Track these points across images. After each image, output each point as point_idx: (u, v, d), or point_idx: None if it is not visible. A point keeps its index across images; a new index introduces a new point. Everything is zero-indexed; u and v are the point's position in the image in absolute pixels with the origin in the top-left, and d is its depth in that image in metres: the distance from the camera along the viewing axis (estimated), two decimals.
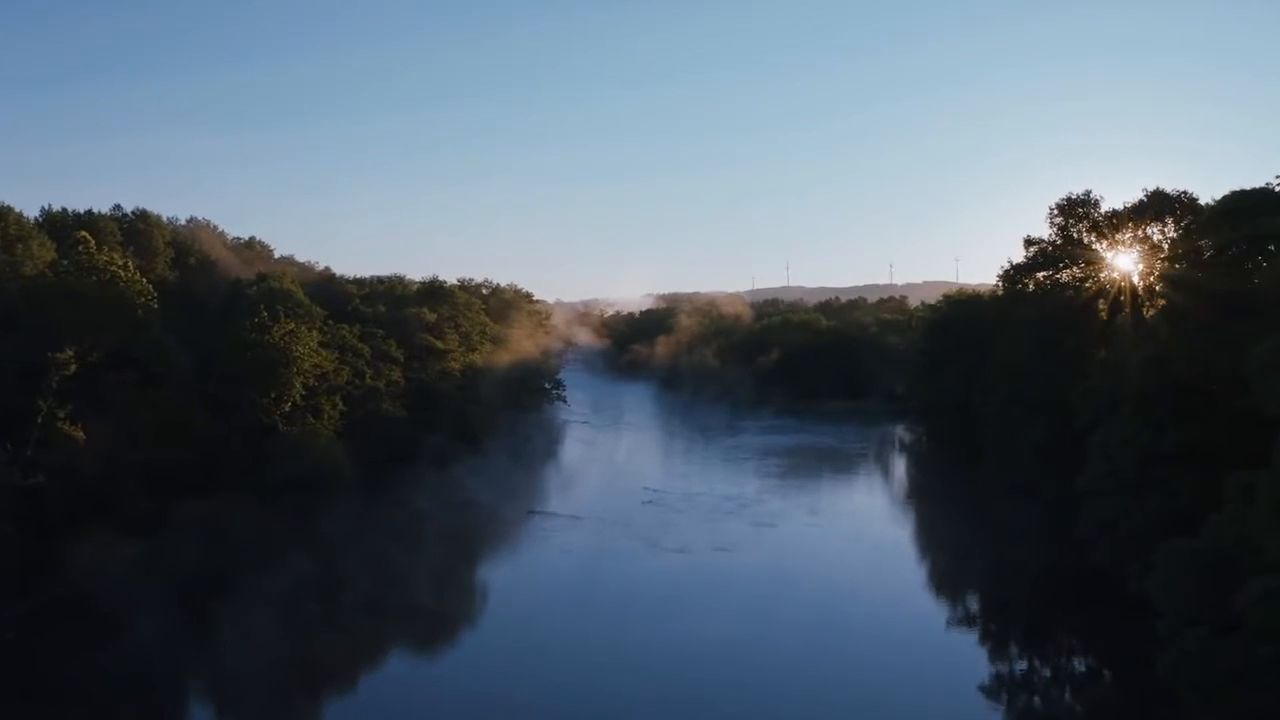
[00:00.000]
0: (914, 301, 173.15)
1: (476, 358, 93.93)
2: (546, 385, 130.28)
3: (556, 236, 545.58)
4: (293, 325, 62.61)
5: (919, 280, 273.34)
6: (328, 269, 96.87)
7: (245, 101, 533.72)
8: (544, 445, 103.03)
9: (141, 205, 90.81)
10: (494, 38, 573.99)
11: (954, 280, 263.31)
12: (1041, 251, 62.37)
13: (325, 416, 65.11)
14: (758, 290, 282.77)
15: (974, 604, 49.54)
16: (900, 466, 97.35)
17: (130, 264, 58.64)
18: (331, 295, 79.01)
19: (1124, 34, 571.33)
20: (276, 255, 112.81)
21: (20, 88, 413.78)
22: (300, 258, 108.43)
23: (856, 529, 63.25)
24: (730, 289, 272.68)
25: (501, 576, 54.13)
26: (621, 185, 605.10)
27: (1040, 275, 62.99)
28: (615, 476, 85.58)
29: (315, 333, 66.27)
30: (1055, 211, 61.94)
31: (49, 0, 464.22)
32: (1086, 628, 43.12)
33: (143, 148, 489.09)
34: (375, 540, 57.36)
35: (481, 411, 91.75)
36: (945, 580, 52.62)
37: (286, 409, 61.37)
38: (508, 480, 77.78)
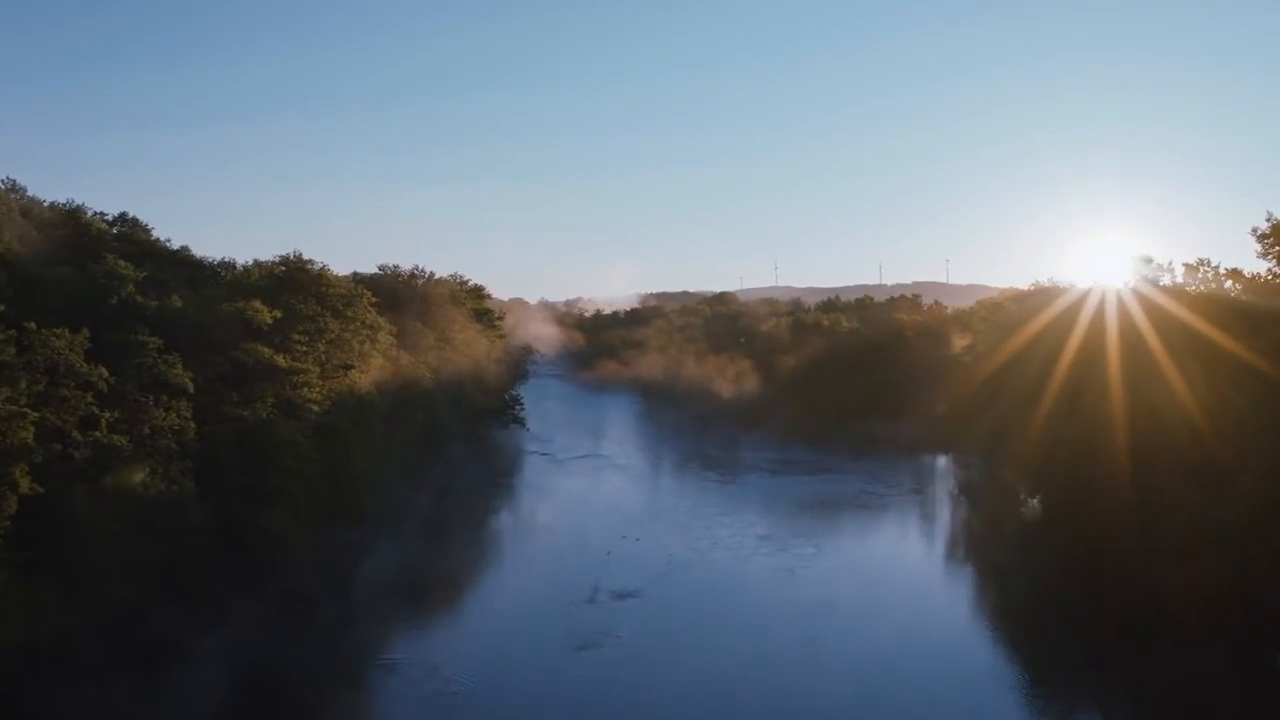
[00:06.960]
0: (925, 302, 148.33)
1: (359, 377, 62.53)
2: (505, 401, 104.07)
3: (541, 235, 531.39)
4: None
5: (908, 280, 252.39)
6: (67, 217, 55.21)
7: (221, 98, 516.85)
8: (460, 502, 70.68)
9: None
10: (481, 32, 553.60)
11: (944, 281, 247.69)
12: None
13: None
14: (746, 290, 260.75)
15: None
16: (993, 540, 61.18)
17: None
18: (85, 282, 47.02)
19: (1115, 31, 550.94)
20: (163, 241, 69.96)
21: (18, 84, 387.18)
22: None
23: None
24: (718, 288, 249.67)
25: None
26: (607, 182, 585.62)
27: None
28: (547, 562, 55.37)
29: None
30: None
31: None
32: None
33: (128, 144, 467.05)
34: None
35: (366, 458, 60.44)
36: None
37: None
38: (340, 587, 46.47)
